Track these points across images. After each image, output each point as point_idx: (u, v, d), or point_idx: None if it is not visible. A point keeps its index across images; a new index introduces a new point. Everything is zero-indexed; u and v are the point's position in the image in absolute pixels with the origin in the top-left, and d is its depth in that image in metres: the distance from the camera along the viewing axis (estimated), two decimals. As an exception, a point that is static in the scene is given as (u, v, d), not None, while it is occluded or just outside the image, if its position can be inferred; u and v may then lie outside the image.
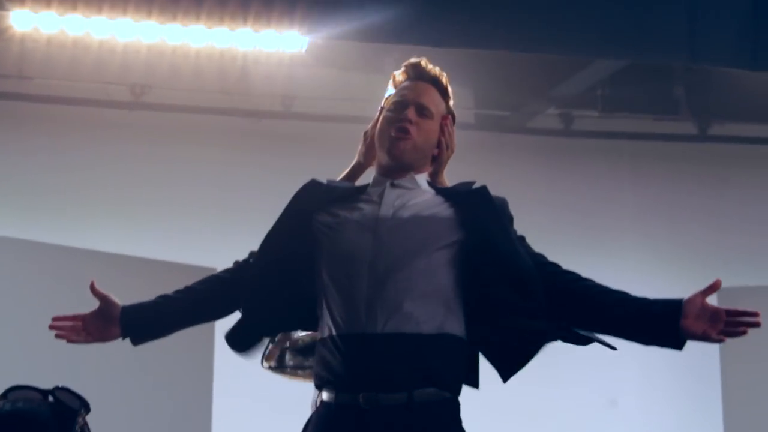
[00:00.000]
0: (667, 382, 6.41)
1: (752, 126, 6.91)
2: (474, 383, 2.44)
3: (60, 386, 1.97)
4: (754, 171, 7.06)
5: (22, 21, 5.31)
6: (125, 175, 6.43)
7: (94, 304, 2.52)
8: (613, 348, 2.42)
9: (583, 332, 2.42)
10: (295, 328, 2.74)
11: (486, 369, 2.44)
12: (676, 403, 6.55)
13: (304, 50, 5.84)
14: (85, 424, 1.95)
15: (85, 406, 1.96)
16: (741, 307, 2.32)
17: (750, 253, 6.82)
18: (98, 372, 5.16)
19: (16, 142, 6.32)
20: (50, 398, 1.95)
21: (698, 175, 7.09)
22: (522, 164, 6.48)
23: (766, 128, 6.92)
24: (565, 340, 2.43)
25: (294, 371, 2.81)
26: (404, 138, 2.48)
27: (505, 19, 3.86)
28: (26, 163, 6.34)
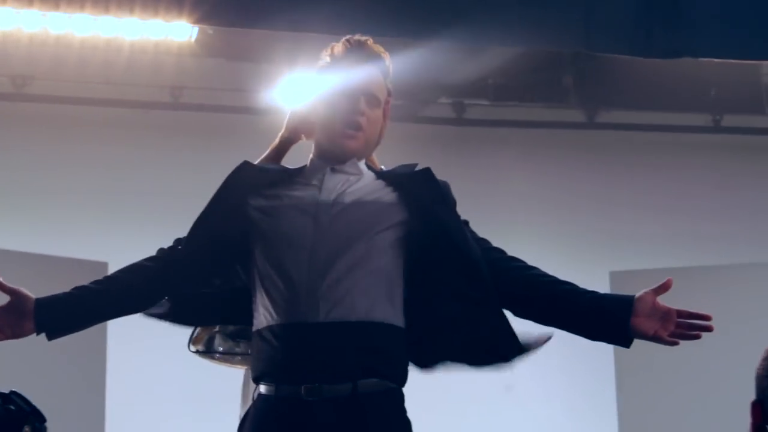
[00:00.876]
0: (561, 367, 6.51)
1: (637, 113, 7.07)
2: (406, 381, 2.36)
3: (14, 391, 1.85)
4: (639, 157, 7.22)
5: None
6: (6, 168, 6.24)
7: None
8: (549, 338, 2.36)
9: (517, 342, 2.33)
10: (224, 323, 2.62)
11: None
12: (570, 387, 6.68)
13: (193, 39, 5.74)
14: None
15: (35, 414, 1.83)
16: (693, 309, 2.27)
17: (636, 238, 6.97)
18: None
19: None
20: (11, 404, 1.85)
21: (586, 162, 7.22)
22: (414, 153, 6.43)
23: (650, 115, 7.08)
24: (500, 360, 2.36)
25: (223, 357, 2.69)
26: (356, 135, 2.38)
27: (399, 6, 3.84)
28: None
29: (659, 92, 6.67)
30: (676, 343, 2.28)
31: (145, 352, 5.58)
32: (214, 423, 2.39)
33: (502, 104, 6.88)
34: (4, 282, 2.35)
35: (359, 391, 2.21)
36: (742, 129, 7.14)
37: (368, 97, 2.41)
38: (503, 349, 2.36)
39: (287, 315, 2.24)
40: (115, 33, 5.46)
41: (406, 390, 2.33)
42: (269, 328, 2.26)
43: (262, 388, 2.27)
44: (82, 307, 2.38)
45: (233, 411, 2.87)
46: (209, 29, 5.64)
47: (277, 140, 2.60)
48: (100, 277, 2.46)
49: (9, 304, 2.35)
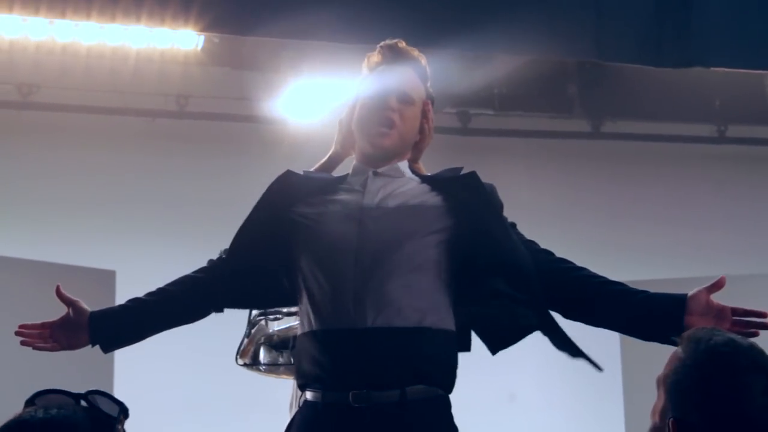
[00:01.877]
0: (566, 376, 6.50)
1: (642, 123, 7.06)
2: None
3: (95, 390, 1.76)
4: (644, 167, 7.22)
5: None
6: (14, 177, 6.25)
7: None
8: (599, 368, 2.32)
9: (573, 344, 2.32)
10: (271, 306, 2.62)
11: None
12: (575, 396, 6.66)
13: (199, 48, 5.76)
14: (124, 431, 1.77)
15: (124, 412, 1.76)
16: (749, 307, 2.24)
17: (641, 248, 6.97)
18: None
19: None
20: (83, 403, 1.75)
21: (591, 172, 7.22)
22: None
23: (655, 126, 7.08)
24: (554, 342, 2.33)
25: (269, 368, 2.68)
26: (389, 132, 2.37)
27: (406, 14, 3.84)
28: None
29: (664, 102, 6.68)
30: None
31: (152, 358, 5.58)
32: (221, 429, 2.39)
33: (508, 114, 6.88)
34: (64, 292, 2.39)
35: (407, 398, 2.18)
36: (747, 139, 7.13)
37: (400, 94, 2.40)
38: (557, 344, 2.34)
39: (333, 321, 2.22)
40: (122, 41, 5.48)
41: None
42: (315, 333, 2.24)
43: (309, 395, 2.25)
44: (135, 319, 2.40)
45: (241, 417, 2.88)
46: (215, 38, 5.66)
47: (326, 157, 2.58)
48: (107, 284, 2.48)
49: (66, 315, 2.39)
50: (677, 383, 1.70)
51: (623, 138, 7.13)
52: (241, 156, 6.24)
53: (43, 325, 2.38)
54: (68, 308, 2.39)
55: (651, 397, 1.78)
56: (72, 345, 2.39)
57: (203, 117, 6.50)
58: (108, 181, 6.39)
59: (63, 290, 2.39)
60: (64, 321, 2.39)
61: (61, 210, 6.27)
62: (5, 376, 5.20)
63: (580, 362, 2.35)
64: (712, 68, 4.55)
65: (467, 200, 2.32)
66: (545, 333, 2.32)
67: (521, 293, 2.28)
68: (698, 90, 6.47)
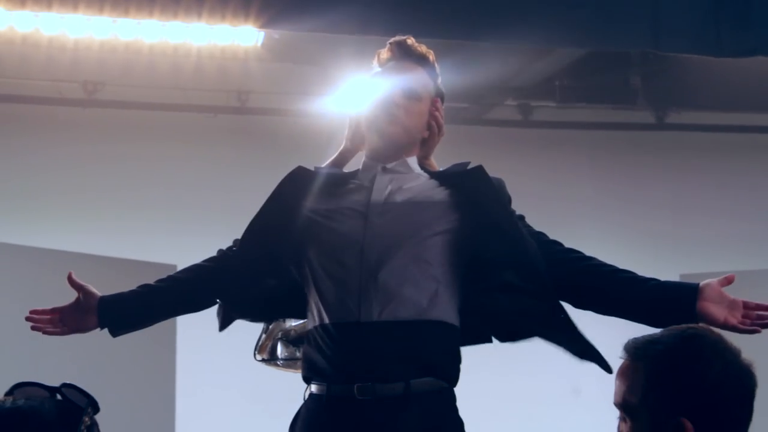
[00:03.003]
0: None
1: (708, 114, 6.95)
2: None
3: (67, 383, 1.86)
4: (710, 159, 7.11)
5: (-31, 19, 5.20)
6: (79, 174, 6.34)
7: (52, 303, 2.46)
8: (609, 371, 2.30)
9: (582, 342, 2.32)
10: (280, 317, 2.64)
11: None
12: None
13: (259, 44, 5.78)
14: (93, 423, 1.84)
15: (93, 405, 1.84)
16: (761, 302, 2.25)
17: (707, 240, 6.86)
18: (60, 367, 5.07)
19: (-34, 143, 6.21)
20: (58, 396, 1.85)
21: (655, 164, 7.12)
22: (481, 156, 6.40)
23: (721, 116, 6.96)
24: (561, 345, 2.34)
25: (286, 363, 2.71)
26: (393, 121, 2.40)
27: (466, 8, 3.83)
28: (-24, 164, 6.23)
29: (730, 92, 6.55)
30: (757, 331, 2.24)
31: (215, 353, 5.63)
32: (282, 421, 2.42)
33: (569, 106, 6.81)
34: (74, 277, 2.44)
35: (412, 391, 2.21)
36: (817, 129, 6.99)
37: (406, 90, 2.42)
38: (567, 343, 2.34)
39: (340, 314, 2.25)
40: (183, 39, 5.52)
41: (473, 393, 2.31)
42: (322, 327, 2.27)
43: (314, 388, 2.28)
44: (144, 304, 2.45)
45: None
46: (275, 34, 5.68)
47: (337, 153, 2.61)
48: None
49: (76, 300, 2.44)
50: (663, 385, 1.64)
51: (688, 129, 7.02)
52: (302, 151, 6.24)
53: (53, 311, 2.43)
54: (78, 293, 2.44)
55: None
56: (81, 328, 2.44)
57: (264, 112, 6.54)
58: (170, 176, 6.45)
59: (74, 276, 2.44)
60: (73, 306, 2.44)
61: (124, 205, 6.35)
62: (74, 376, 5.29)
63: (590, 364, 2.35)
64: (775, 56, 4.47)
65: (474, 194, 2.34)
66: (550, 340, 2.33)
67: (530, 285, 2.29)
68: (765, 79, 6.34)
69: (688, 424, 1.59)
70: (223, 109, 6.51)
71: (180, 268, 2.54)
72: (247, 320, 2.53)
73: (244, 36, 5.57)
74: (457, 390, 2.32)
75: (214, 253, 2.49)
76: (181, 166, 6.48)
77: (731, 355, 1.65)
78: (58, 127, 6.34)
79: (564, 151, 6.99)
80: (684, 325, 1.72)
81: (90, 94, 6.33)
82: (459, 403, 2.31)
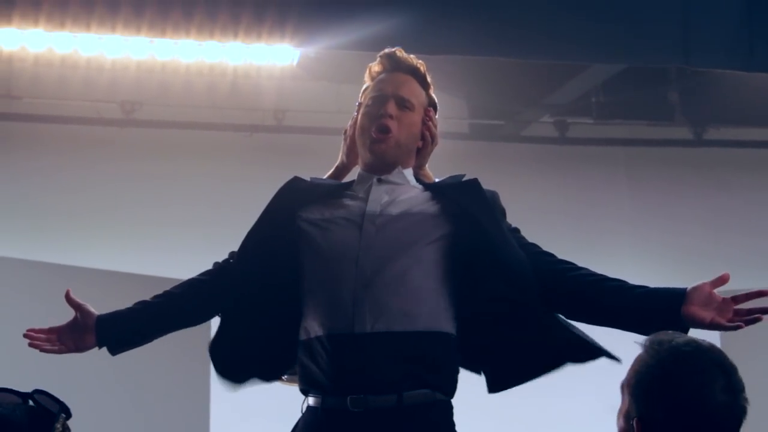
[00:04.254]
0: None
1: (747, 130, 6.89)
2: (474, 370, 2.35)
3: (39, 389, 1.86)
4: (750, 175, 7.03)
5: (9, 40, 5.26)
6: (118, 192, 6.39)
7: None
8: (618, 360, 2.30)
9: (585, 344, 2.32)
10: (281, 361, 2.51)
11: (479, 381, 2.37)
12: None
13: (295, 63, 5.80)
14: (66, 429, 1.85)
15: (65, 411, 1.85)
16: (748, 290, 2.24)
17: (748, 257, 6.78)
18: (89, 381, 5.10)
19: (5, 163, 6.27)
20: (30, 402, 1.86)
21: (694, 180, 7.06)
22: (517, 173, 6.44)
23: (761, 132, 6.90)
24: (567, 360, 2.33)
25: (289, 378, 2.69)
26: (385, 138, 2.40)
27: (500, 25, 3.83)
28: (17, 184, 6.29)
29: (769, 108, 6.49)
30: (740, 326, 2.22)
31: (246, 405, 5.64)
32: None
33: (606, 122, 6.77)
34: (72, 296, 2.44)
35: (405, 403, 2.20)
36: None
37: (397, 99, 2.42)
38: (564, 350, 2.34)
39: (334, 326, 2.24)
40: (220, 58, 5.56)
41: (506, 418, 2.29)
42: (317, 339, 2.26)
43: (310, 400, 2.28)
44: (141, 322, 2.44)
45: None
46: (311, 52, 5.70)
47: (333, 168, 2.62)
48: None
49: (74, 319, 2.44)
50: (640, 383, 1.76)
51: (727, 145, 6.96)
52: (338, 169, 6.27)
53: (50, 330, 2.43)
54: (76, 311, 2.43)
55: (750, 413, 1.76)
56: (79, 347, 2.43)
57: (301, 131, 6.56)
58: (206, 195, 6.48)
59: (72, 294, 2.43)
60: (71, 325, 2.43)
61: (161, 223, 6.39)
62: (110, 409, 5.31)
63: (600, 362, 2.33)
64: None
65: (468, 206, 2.34)
66: (555, 366, 2.33)
67: (520, 296, 2.28)
68: (805, 94, 6.27)
69: (639, 426, 1.73)
70: (260, 128, 6.54)
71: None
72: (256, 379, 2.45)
73: (279, 55, 5.60)
74: (489, 415, 2.30)
75: None
76: (217, 185, 6.50)
77: (711, 383, 1.71)
78: (96, 147, 6.39)
79: (601, 167, 6.94)
80: (700, 340, 1.79)
81: (128, 114, 6.38)
82: (486, 423, 2.29)
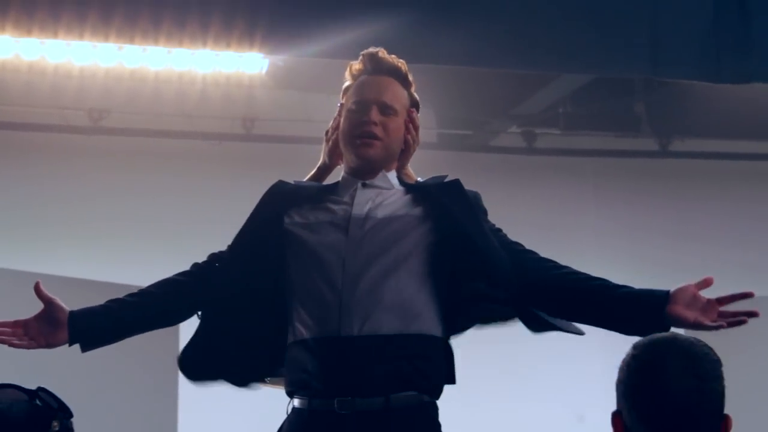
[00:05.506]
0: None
1: (711, 141, 6.96)
2: (451, 380, 2.36)
3: (42, 388, 1.87)
4: (714, 186, 7.10)
5: (-25, 47, 5.23)
6: (85, 200, 6.35)
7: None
8: (581, 333, 2.35)
9: (548, 320, 2.35)
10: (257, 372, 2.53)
11: (447, 388, 2.38)
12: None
13: (264, 72, 5.80)
14: (64, 428, 1.85)
15: (64, 410, 1.85)
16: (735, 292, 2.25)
17: (712, 267, 6.82)
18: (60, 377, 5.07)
19: (-29, 170, 6.22)
20: (37, 400, 1.85)
21: (659, 191, 7.12)
22: (485, 183, 6.40)
23: (724, 143, 6.97)
24: (527, 324, 2.36)
25: (272, 380, 2.69)
26: (371, 143, 2.39)
27: (468, 36, 3.85)
28: (-18, 190, 6.24)
29: (735, 119, 6.56)
30: (722, 326, 2.23)
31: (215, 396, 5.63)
32: None
33: (573, 133, 6.82)
34: (43, 290, 2.38)
35: (392, 405, 2.21)
36: (820, 157, 6.99)
37: (381, 105, 2.41)
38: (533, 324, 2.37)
39: (321, 329, 2.25)
40: (188, 66, 5.55)
41: (477, 423, 2.31)
42: (303, 342, 2.27)
43: (296, 402, 2.29)
44: (115, 319, 2.40)
45: None
46: (280, 61, 5.70)
47: (315, 169, 2.61)
48: None
49: (43, 312, 2.38)
50: (617, 380, 1.79)
51: (692, 156, 7.03)
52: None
53: (15, 324, 2.36)
54: (45, 305, 2.36)
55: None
56: (50, 343, 2.37)
57: (270, 140, 6.55)
58: (175, 204, 6.46)
59: (42, 287, 2.37)
60: (39, 319, 2.37)
61: (129, 232, 6.36)
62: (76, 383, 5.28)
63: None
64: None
65: (450, 207, 2.35)
66: (523, 320, 2.36)
67: (500, 294, 2.31)
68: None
69: (618, 420, 1.78)
70: (228, 136, 6.53)
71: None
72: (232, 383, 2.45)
73: (249, 63, 5.60)
74: (460, 420, 2.32)
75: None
76: (186, 193, 6.48)
77: (668, 368, 1.72)
78: (63, 155, 6.36)
79: (568, 178, 6.99)
80: (679, 334, 1.81)
81: (95, 122, 6.35)
82: (454, 431, 2.31)
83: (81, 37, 4.47)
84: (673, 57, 4.20)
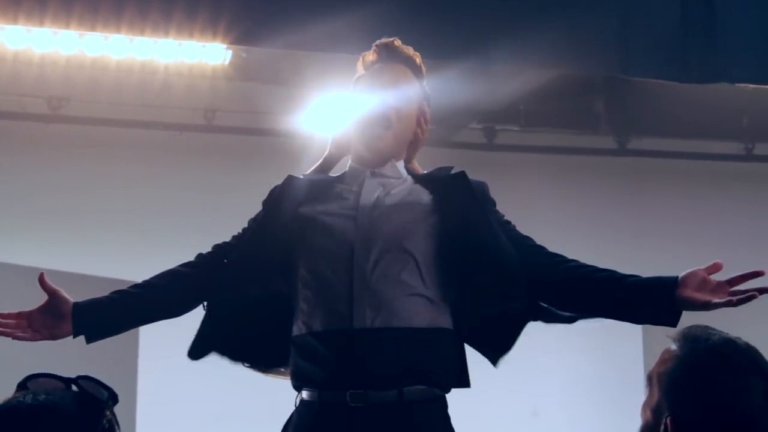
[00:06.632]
0: (590, 393, 6.47)
1: (669, 141, 7.04)
2: (465, 383, 2.35)
3: (84, 375, 1.75)
4: (670, 184, 7.19)
5: (-68, 30, 5.17)
6: (43, 189, 6.30)
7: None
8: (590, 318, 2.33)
9: (564, 315, 2.35)
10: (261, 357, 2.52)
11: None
12: (599, 413, 6.63)
13: (227, 63, 5.79)
14: (113, 416, 1.74)
15: (113, 398, 1.74)
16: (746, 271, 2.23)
17: (668, 267, 6.91)
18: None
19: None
20: (74, 387, 1.74)
21: (617, 189, 7.19)
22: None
23: (681, 143, 7.06)
24: (548, 319, 2.35)
25: (272, 369, 2.68)
26: (384, 134, 2.38)
27: (437, 29, 3.86)
28: (-61, 177, 6.18)
29: (691, 120, 6.65)
30: (731, 303, 2.19)
31: (176, 368, 5.61)
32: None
33: (534, 130, 6.87)
34: (47, 281, 2.36)
35: (405, 398, 2.20)
36: (775, 158, 7.10)
37: (396, 93, 2.40)
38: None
39: (332, 321, 2.23)
40: (151, 56, 5.52)
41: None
42: (313, 334, 2.25)
43: (305, 394, 2.27)
44: (119, 311, 2.38)
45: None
46: (243, 52, 5.69)
47: (321, 159, 2.58)
48: None
49: (46, 304, 2.35)
50: (675, 381, 1.70)
51: (649, 155, 7.11)
52: (268, 170, 6.24)
53: (19, 315, 2.34)
54: (50, 297, 2.34)
55: None
56: (54, 335, 2.35)
57: (230, 131, 6.54)
58: (135, 194, 6.43)
59: (47, 279, 2.35)
60: (43, 310, 2.34)
61: (89, 222, 6.32)
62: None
63: (604, 381, 2.36)
64: (739, 85, 4.54)
65: (456, 199, 2.34)
66: (535, 318, 2.35)
67: (508, 288, 2.30)
68: (726, 107, 6.44)
69: (672, 425, 1.67)
70: (190, 126, 6.51)
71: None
72: (225, 356, 2.43)
73: (211, 54, 5.59)
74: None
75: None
76: (146, 184, 6.46)
77: (750, 387, 1.67)
78: (21, 142, 6.30)
79: (527, 174, 7.04)
80: (735, 338, 1.74)
81: (54, 110, 6.30)
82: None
83: (42, 23, 4.43)
84: (642, 56, 4.24)
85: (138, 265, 6.05)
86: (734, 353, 1.70)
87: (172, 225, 6.38)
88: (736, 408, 1.65)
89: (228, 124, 6.54)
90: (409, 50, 2.47)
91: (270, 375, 2.59)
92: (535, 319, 2.35)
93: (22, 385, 1.75)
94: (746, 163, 7.10)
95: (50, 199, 6.31)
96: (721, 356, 1.69)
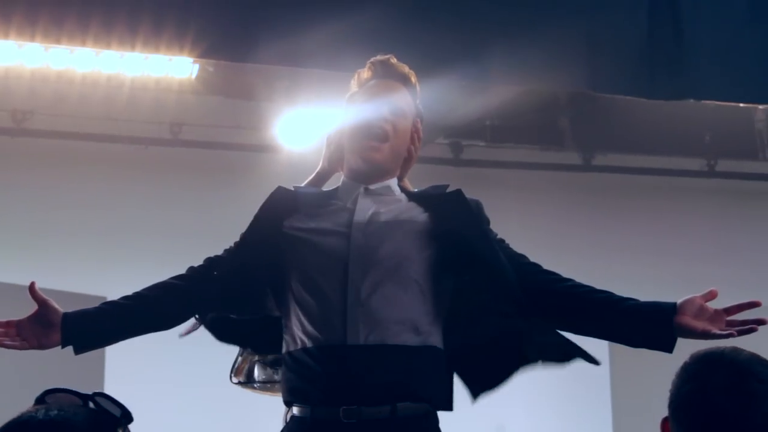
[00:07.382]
0: (555, 407, 6.50)
1: (633, 157, 7.11)
2: (449, 406, 2.34)
3: (101, 392, 1.77)
4: (634, 200, 7.25)
5: None
6: (5, 202, 6.25)
7: None
8: (596, 363, 2.32)
9: (562, 346, 2.32)
10: (256, 351, 2.58)
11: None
12: (565, 428, 6.65)
13: (193, 77, 5.79)
14: None
15: (126, 416, 1.76)
16: (742, 301, 2.24)
17: (630, 281, 6.96)
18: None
19: None
20: (90, 404, 1.76)
21: (582, 204, 7.25)
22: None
23: (644, 159, 7.12)
24: (545, 360, 2.34)
25: (263, 386, 2.66)
26: (380, 146, 2.37)
27: (405, 44, 3.87)
28: None
29: (655, 136, 6.72)
30: (732, 335, 2.20)
31: (143, 382, 5.57)
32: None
33: (499, 145, 6.92)
34: (37, 291, 2.34)
35: (398, 414, 2.20)
36: (736, 174, 7.18)
37: (393, 107, 2.40)
38: (552, 352, 2.35)
39: (325, 337, 2.22)
40: (117, 69, 5.51)
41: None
42: (305, 350, 2.24)
43: (296, 410, 2.26)
44: (109, 322, 2.37)
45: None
46: (209, 66, 5.69)
47: (314, 174, 2.57)
48: None
49: (36, 313, 2.34)
50: (671, 387, 1.78)
51: (614, 171, 7.17)
52: (235, 184, 6.26)
53: (8, 324, 2.32)
54: (40, 307, 2.33)
55: (640, 430, 1.83)
56: (43, 344, 2.33)
57: (197, 145, 6.53)
58: (100, 208, 6.39)
59: (37, 289, 2.33)
60: (32, 319, 2.33)
61: (53, 236, 6.28)
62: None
63: (572, 395, 2.37)
64: (702, 102, 4.59)
65: (452, 217, 2.34)
66: (533, 363, 2.34)
67: (507, 307, 2.29)
68: (689, 124, 6.51)
69: (666, 426, 1.76)
70: (156, 141, 6.49)
71: (109, 299, 2.47)
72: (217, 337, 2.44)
73: (178, 68, 5.58)
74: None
75: (145, 285, 2.44)
76: (112, 198, 6.42)
77: (714, 384, 1.72)
78: (-16, 156, 6.26)
79: (493, 190, 7.06)
80: (741, 350, 1.78)
81: (19, 123, 6.26)
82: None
83: (6, 36, 4.40)
84: (609, 73, 4.27)
85: (101, 278, 6.05)
86: (711, 354, 1.75)
87: (137, 239, 6.35)
88: (695, 400, 1.71)
89: (194, 138, 6.53)
90: (405, 68, 2.48)
91: (259, 392, 2.58)
92: (534, 361, 2.34)
93: (41, 400, 1.77)
94: (708, 179, 7.18)
95: (13, 212, 6.26)
96: (697, 357, 1.77)
